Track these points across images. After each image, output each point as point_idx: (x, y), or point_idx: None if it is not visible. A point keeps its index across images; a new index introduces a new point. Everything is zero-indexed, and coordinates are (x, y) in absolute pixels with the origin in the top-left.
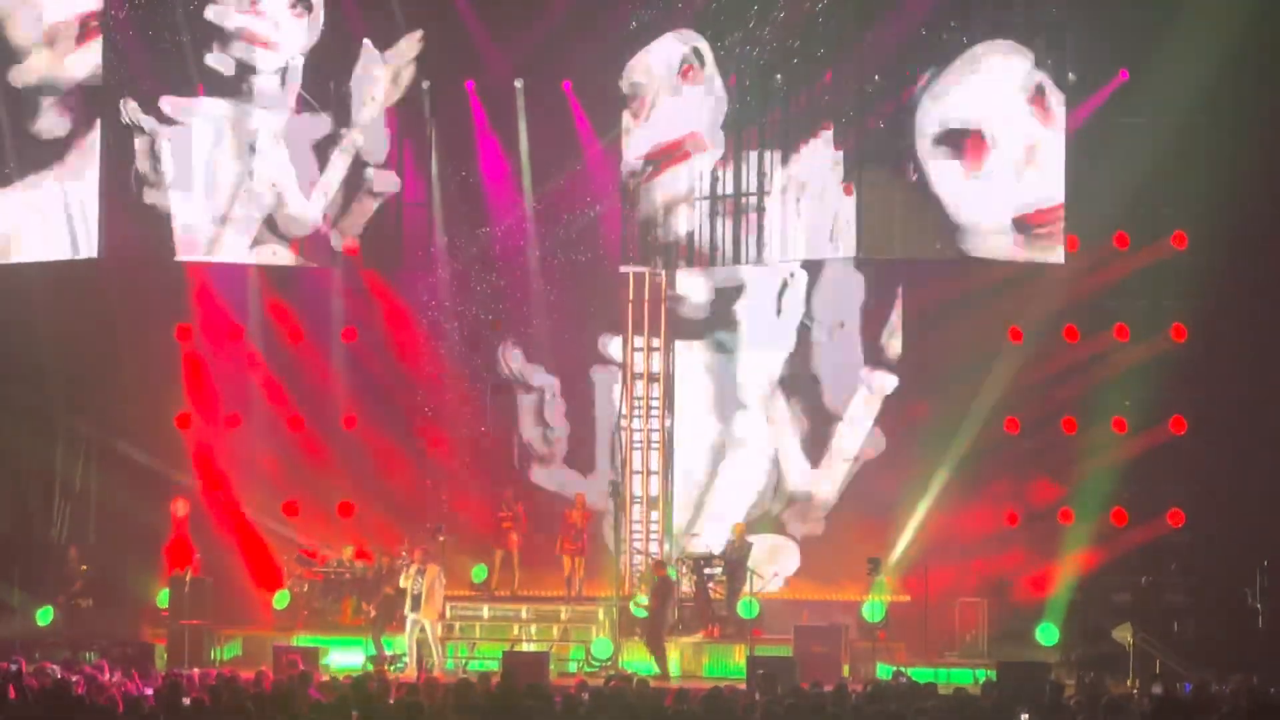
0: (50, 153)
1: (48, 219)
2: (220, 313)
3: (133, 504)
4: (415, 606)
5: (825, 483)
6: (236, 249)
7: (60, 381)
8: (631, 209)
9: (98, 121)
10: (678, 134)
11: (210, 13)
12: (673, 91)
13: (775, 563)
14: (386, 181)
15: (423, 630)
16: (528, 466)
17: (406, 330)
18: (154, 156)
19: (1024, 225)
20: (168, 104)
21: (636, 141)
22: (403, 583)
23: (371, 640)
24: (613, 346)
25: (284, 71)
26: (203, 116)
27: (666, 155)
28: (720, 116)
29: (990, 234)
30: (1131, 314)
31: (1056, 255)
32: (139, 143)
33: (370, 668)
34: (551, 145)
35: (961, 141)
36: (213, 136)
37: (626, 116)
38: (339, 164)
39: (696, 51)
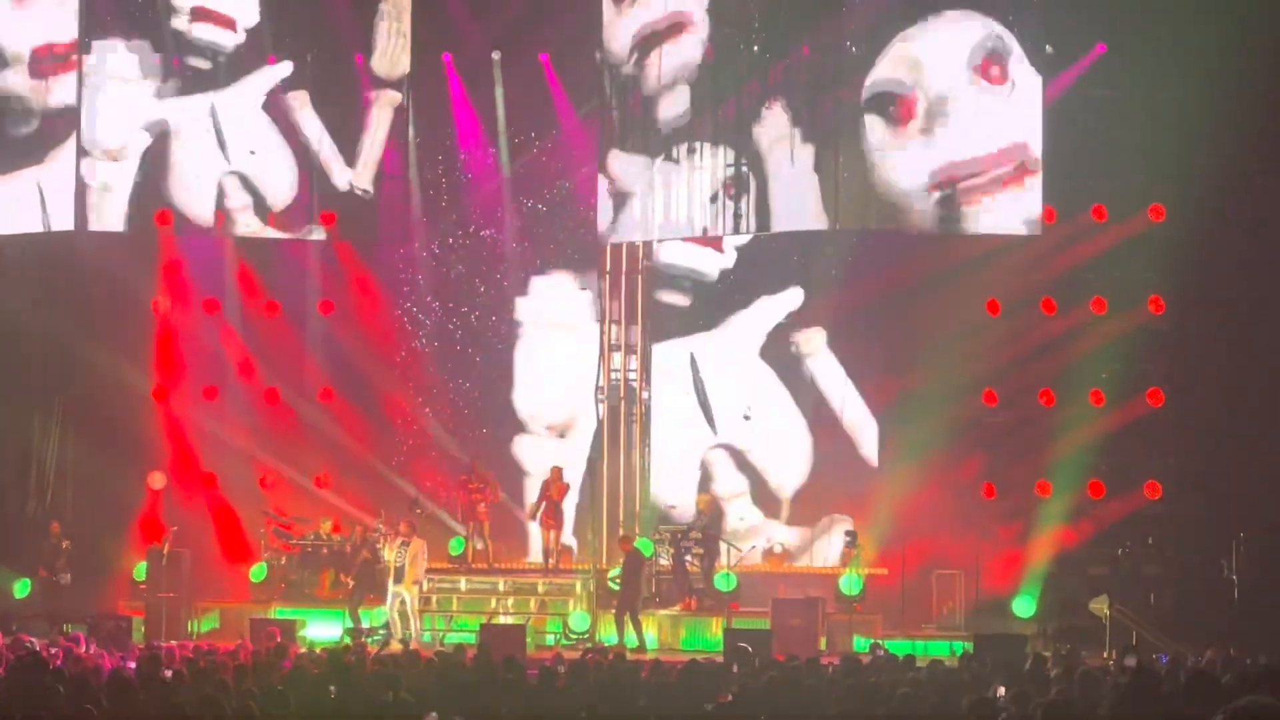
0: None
1: (20, 195)
2: (196, 286)
3: (109, 477)
4: (399, 579)
5: (801, 456)
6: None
7: (36, 355)
8: (611, 181)
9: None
10: (665, 11)
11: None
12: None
13: (754, 537)
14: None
15: (403, 603)
16: (509, 437)
17: (383, 303)
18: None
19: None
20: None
21: (621, 32)
22: (386, 556)
23: (349, 613)
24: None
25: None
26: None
27: (655, 35)
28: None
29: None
30: (1109, 286)
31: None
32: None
33: (348, 640)
34: (529, 118)
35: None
36: (195, 122)
37: (607, 7)
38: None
39: None
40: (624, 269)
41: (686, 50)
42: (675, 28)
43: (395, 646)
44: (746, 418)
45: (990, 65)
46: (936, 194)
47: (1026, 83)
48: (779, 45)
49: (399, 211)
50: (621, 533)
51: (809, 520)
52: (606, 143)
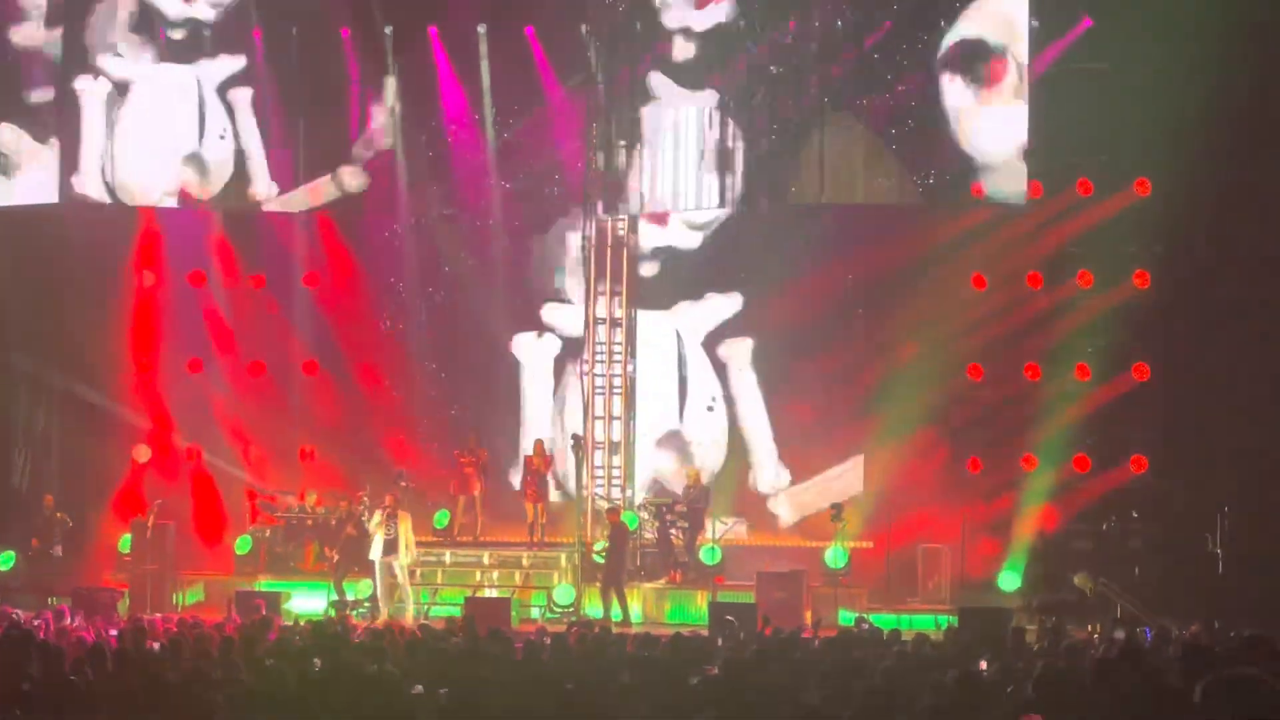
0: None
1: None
2: (180, 259)
3: (94, 450)
4: (388, 551)
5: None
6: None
7: (20, 329)
8: (595, 153)
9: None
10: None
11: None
12: None
13: (737, 512)
14: None
15: (391, 574)
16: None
17: (369, 276)
18: (112, 117)
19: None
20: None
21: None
22: (372, 529)
23: (333, 586)
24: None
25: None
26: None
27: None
28: None
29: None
30: (1095, 261)
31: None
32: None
33: (333, 613)
34: (514, 91)
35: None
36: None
37: None
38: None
39: None
40: (609, 241)
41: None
42: None
43: (383, 620)
44: (710, 409)
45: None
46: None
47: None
48: (766, 22)
49: (384, 185)
50: (609, 504)
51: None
52: (593, 115)
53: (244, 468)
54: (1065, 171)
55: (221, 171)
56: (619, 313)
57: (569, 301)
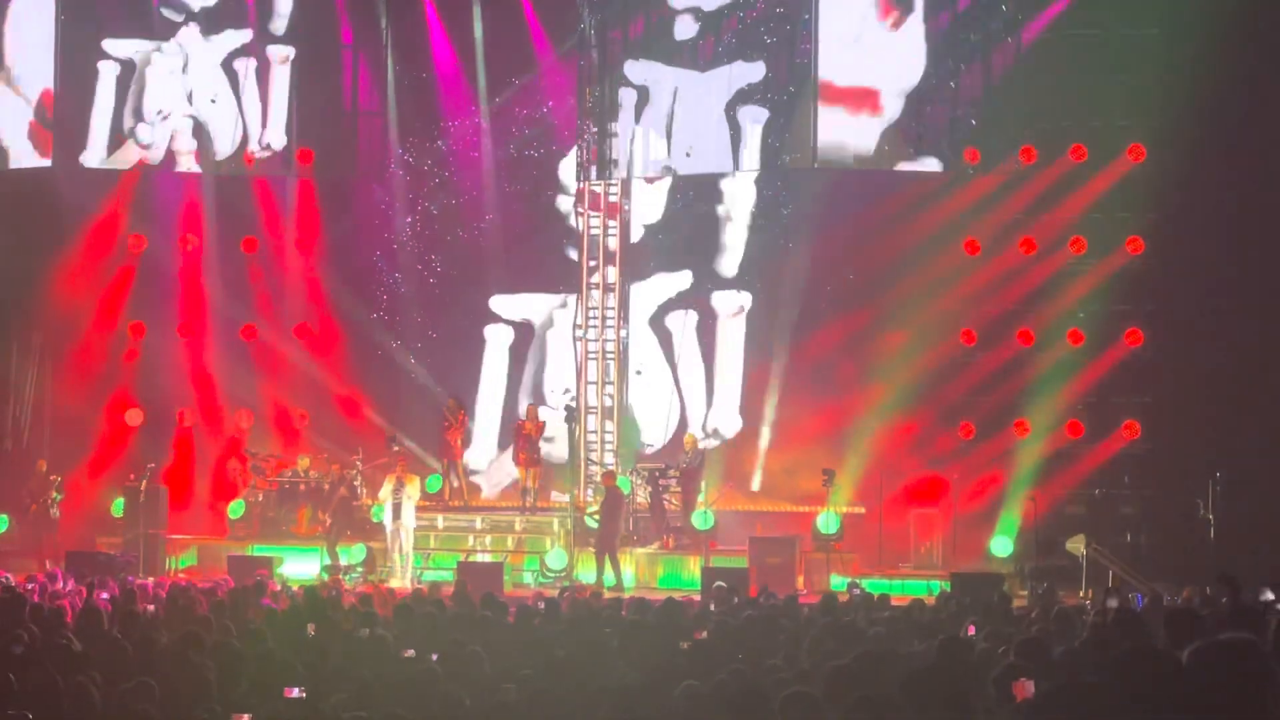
0: None
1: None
2: (174, 222)
3: (86, 414)
4: (397, 515)
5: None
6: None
7: (11, 292)
8: (587, 119)
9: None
10: None
11: None
12: None
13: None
14: None
15: (399, 538)
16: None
17: (361, 238)
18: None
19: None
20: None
21: None
22: (382, 495)
23: (326, 550)
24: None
25: None
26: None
27: None
28: None
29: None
30: (1088, 226)
31: None
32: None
33: (325, 577)
34: (507, 55)
35: None
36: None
37: None
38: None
39: None
40: (602, 207)
41: None
42: None
43: (397, 583)
44: (639, 372)
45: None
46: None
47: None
48: None
49: (377, 149)
50: (604, 469)
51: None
52: (585, 81)
53: (237, 431)
54: (1058, 137)
55: (213, 136)
56: (612, 279)
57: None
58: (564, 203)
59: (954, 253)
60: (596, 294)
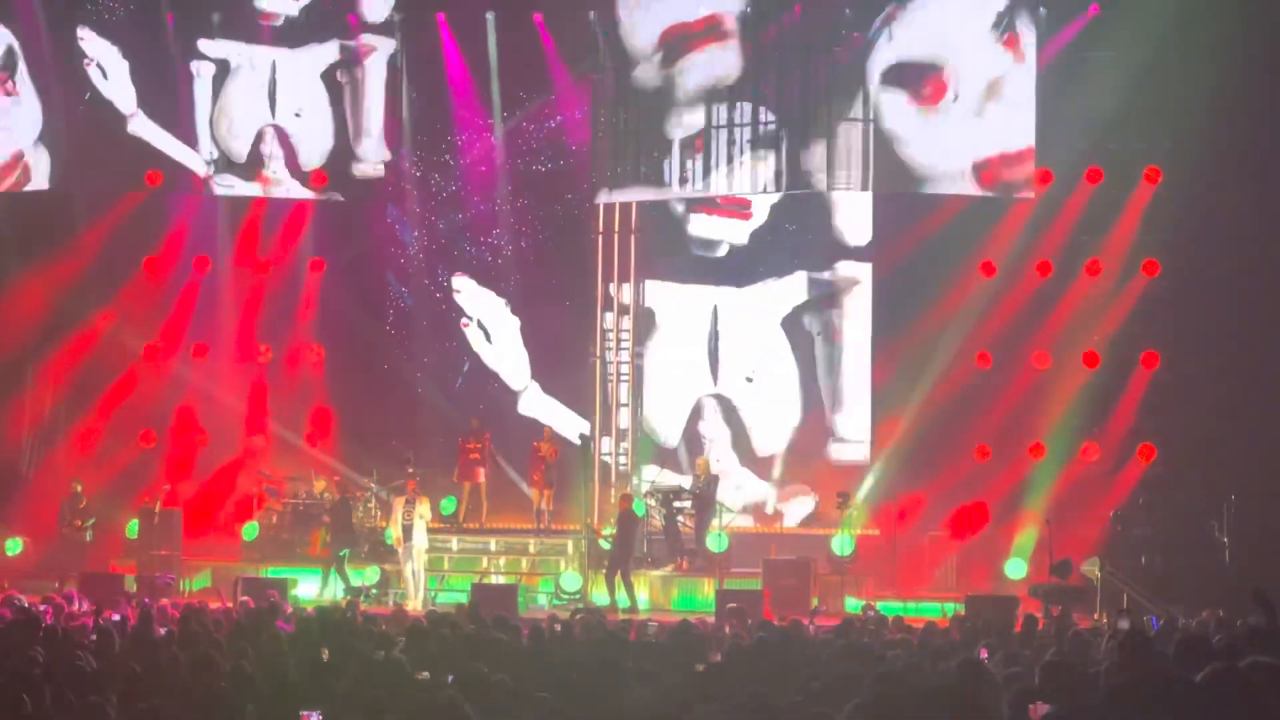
0: None
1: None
2: (188, 243)
3: (103, 435)
4: (408, 537)
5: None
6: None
7: (29, 312)
8: (603, 138)
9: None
10: (695, 13)
11: None
12: None
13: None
14: None
15: (410, 559)
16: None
17: (375, 259)
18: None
19: (985, 167)
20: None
21: (641, 24)
22: (393, 516)
23: (335, 573)
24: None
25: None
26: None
27: (683, 38)
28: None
29: (947, 178)
30: (1104, 249)
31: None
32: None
33: (347, 598)
34: (522, 78)
35: (918, 78)
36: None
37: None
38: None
39: None
40: (616, 228)
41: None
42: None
43: (411, 605)
44: (749, 380)
45: (1013, 36)
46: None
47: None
48: (771, 7)
49: (391, 170)
50: (622, 491)
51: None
52: (600, 103)
53: (253, 452)
54: (1074, 159)
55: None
56: (627, 299)
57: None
58: (579, 222)
59: (970, 275)
60: (611, 315)
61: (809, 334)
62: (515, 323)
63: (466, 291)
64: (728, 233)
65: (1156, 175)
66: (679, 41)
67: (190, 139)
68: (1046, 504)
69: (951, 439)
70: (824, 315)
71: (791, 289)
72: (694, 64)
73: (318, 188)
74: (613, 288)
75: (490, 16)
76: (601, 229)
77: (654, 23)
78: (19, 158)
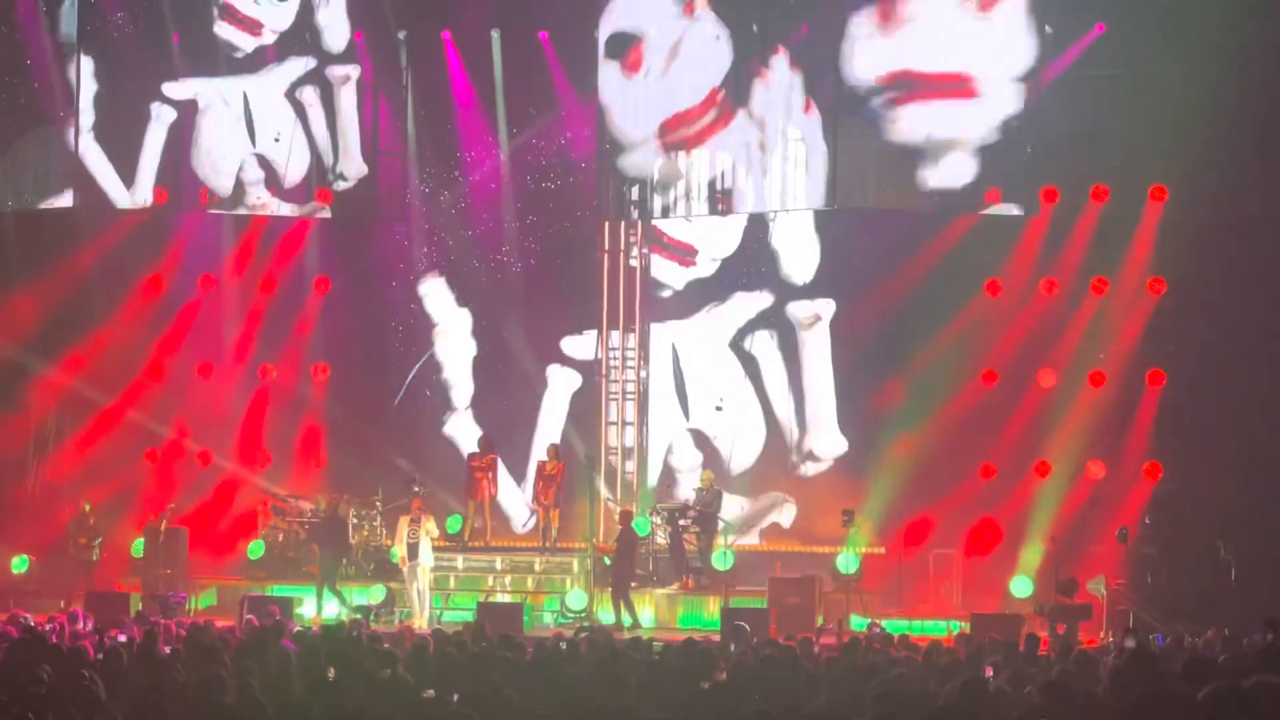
0: None
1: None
2: (193, 262)
3: (107, 453)
4: (413, 555)
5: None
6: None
7: (36, 330)
8: (608, 166)
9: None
10: (695, 97)
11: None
12: (675, 36)
13: (762, 517)
14: None
15: (415, 578)
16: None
17: (380, 279)
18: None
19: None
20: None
21: (634, 102)
22: (398, 534)
23: (330, 591)
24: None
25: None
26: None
27: (685, 129)
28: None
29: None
30: (1110, 266)
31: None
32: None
33: (353, 616)
34: (528, 96)
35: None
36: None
37: (612, 72)
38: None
39: None
40: (622, 247)
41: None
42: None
43: (418, 623)
44: (718, 409)
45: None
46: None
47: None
48: (779, 25)
49: (397, 189)
50: (623, 508)
51: (807, 500)
52: (606, 121)
53: (257, 471)
54: (1080, 177)
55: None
56: (632, 319)
57: (583, 307)
58: (586, 242)
59: (976, 293)
60: (617, 334)
61: (757, 356)
62: (472, 348)
63: (433, 296)
64: (672, 277)
65: (1162, 193)
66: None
67: (129, 174)
68: (1052, 522)
69: (957, 458)
70: (779, 335)
71: (742, 312)
72: None
73: (321, 203)
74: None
75: (496, 34)
76: (608, 247)
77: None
78: None
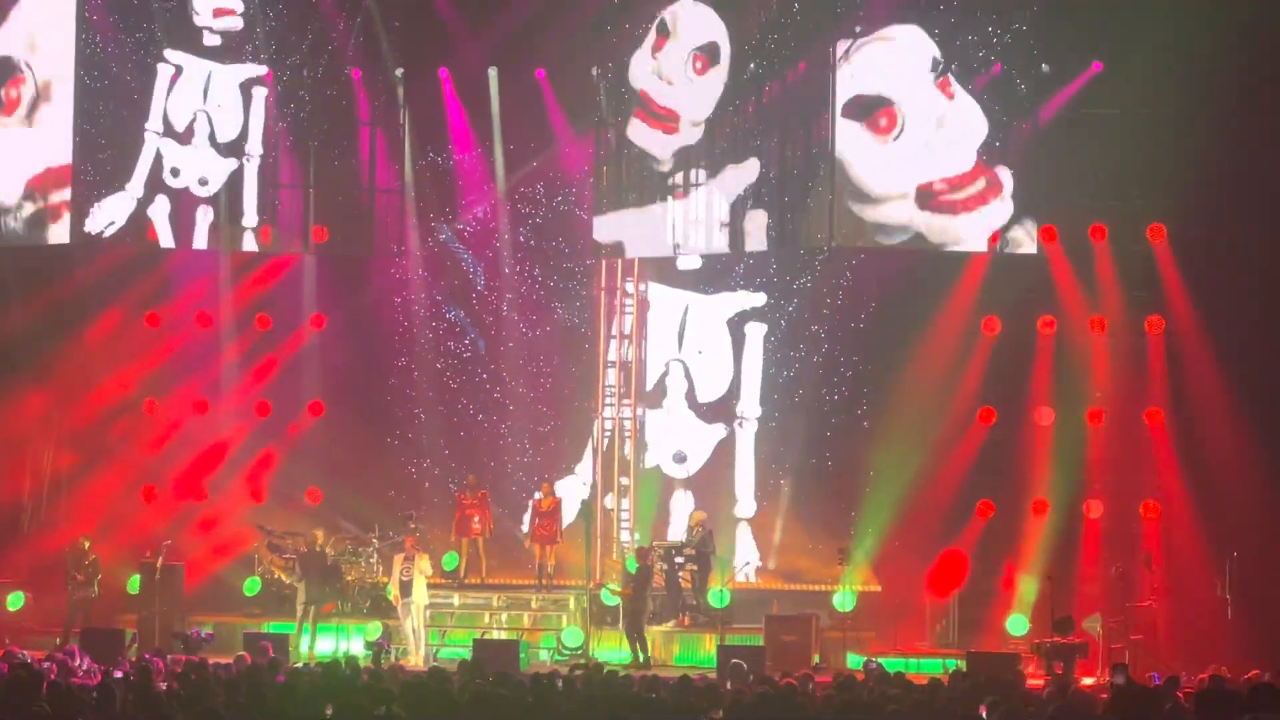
0: None
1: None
2: (190, 299)
3: (103, 489)
4: (406, 592)
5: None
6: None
7: (33, 367)
8: (605, 189)
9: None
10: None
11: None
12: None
13: (748, 554)
14: None
15: (408, 615)
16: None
17: (377, 317)
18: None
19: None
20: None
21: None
22: (392, 572)
23: (308, 628)
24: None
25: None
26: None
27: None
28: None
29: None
30: (1107, 304)
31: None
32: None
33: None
34: (525, 134)
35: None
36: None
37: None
38: None
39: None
40: (619, 284)
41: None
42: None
43: (413, 660)
44: (678, 461)
45: (946, 81)
46: (919, 209)
47: (967, 100)
48: (778, 64)
49: (394, 225)
50: (641, 546)
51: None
52: (601, 159)
53: (252, 508)
54: (1078, 216)
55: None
56: (629, 356)
57: (580, 343)
58: (583, 279)
59: (973, 329)
60: (613, 372)
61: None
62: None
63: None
64: (658, 147)
65: (1160, 232)
66: None
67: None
68: (1049, 560)
69: (954, 494)
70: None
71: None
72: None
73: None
74: (615, 344)
75: (493, 72)
76: (604, 284)
77: None
78: None
